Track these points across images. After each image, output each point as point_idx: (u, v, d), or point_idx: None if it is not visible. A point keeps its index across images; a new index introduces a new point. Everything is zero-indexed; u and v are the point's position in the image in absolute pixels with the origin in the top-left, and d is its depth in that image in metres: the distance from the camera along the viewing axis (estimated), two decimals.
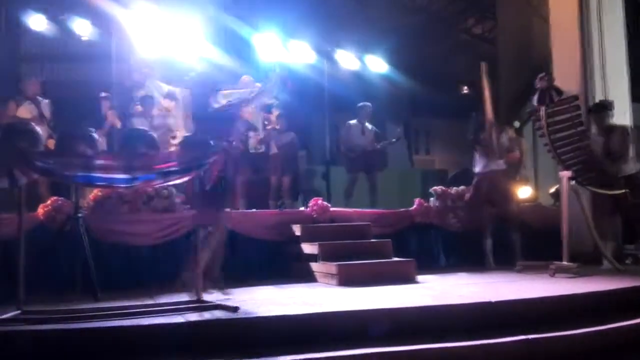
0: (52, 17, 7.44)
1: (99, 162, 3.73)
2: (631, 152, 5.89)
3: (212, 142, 4.33)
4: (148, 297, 4.14)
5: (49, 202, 4.76)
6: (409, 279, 4.98)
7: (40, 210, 4.73)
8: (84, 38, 7.71)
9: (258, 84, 7.96)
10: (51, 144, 5.64)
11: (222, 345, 3.06)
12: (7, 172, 3.38)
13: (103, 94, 6.83)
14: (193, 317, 3.35)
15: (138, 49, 8.18)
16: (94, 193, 5.02)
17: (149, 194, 5.14)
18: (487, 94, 6.04)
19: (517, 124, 6.26)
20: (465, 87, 15.71)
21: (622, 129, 5.99)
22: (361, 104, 8.08)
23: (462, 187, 6.74)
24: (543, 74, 5.67)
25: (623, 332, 3.65)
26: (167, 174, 3.85)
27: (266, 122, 8.33)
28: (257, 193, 7.14)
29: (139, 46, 8.13)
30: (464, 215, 6.48)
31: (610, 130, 5.91)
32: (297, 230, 5.58)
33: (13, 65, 7.14)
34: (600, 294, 4.18)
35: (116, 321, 3.20)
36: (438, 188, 6.73)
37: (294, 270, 5.45)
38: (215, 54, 8.23)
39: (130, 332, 3.05)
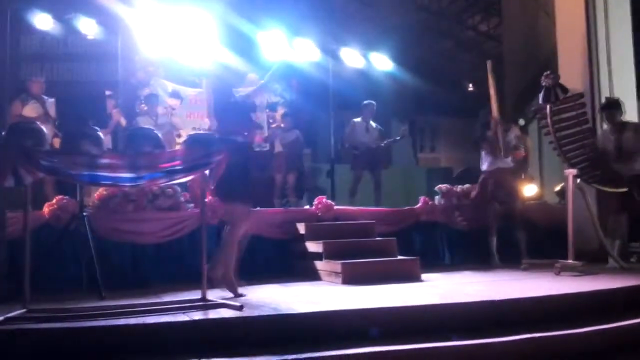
0: (58, 16, 7.47)
1: (104, 161, 3.73)
2: None
3: (238, 137, 4.33)
4: (153, 296, 4.16)
5: (54, 201, 4.79)
6: (413, 278, 4.97)
7: (46, 209, 4.75)
8: (90, 37, 7.73)
9: (261, 81, 7.97)
10: (57, 142, 5.66)
11: (227, 344, 3.06)
12: (13, 171, 3.39)
13: (107, 93, 6.84)
14: (198, 315, 3.36)
15: (143, 48, 8.20)
16: (99, 192, 5.04)
17: (154, 192, 5.15)
18: (492, 92, 6.02)
19: (522, 121, 6.25)
20: (471, 85, 15.68)
21: (636, 125, 5.94)
22: (366, 102, 8.08)
23: (467, 185, 6.74)
24: (549, 71, 5.64)
25: (629, 330, 3.63)
26: (172, 173, 3.86)
27: (271, 121, 8.34)
28: (262, 191, 7.14)
29: (143, 45, 8.15)
30: (469, 214, 6.47)
31: (623, 128, 5.86)
32: (301, 228, 5.59)
33: (13, 65, 7.16)
34: (606, 292, 4.16)
35: (121, 320, 3.21)
36: (443, 186, 6.72)
37: (298, 268, 5.46)
38: (221, 52, 8.24)
39: (135, 331, 3.06)
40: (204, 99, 8.95)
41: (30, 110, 6.15)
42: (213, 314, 3.42)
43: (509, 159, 6.18)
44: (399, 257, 5.35)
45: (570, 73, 6.50)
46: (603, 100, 6.36)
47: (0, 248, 4.09)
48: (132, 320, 3.18)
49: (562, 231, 5.56)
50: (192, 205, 5.33)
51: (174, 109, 8.30)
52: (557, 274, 5.17)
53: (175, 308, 3.53)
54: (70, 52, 7.67)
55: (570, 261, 5.30)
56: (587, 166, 5.67)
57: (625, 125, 5.88)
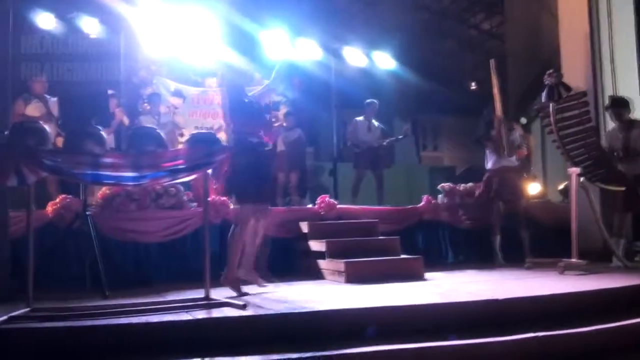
0: (60, 16, 7.49)
1: (107, 160, 3.73)
2: None
3: (253, 137, 4.34)
4: (156, 295, 4.16)
5: (57, 200, 4.80)
6: (416, 276, 4.97)
7: (49, 208, 4.76)
8: (92, 36, 7.74)
9: (265, 81, 7.97)
10: (59, 141, 5.67)
11: (231, 343, 3.06)
12: (16, 170, 3.39)
13: (110, 92, 6.85)
14: (201, 314, 3.36)
15: (145, 47, 8.20)
16: (103, 191, 5.05)
17: (157, 191, 5.16)
18: (496, 91, 6.01)
19: (523, 120, 6.24)
20: (473, 84, 15.64)
21: None
22: (368, 100, 8.07)
23: (470, 184, 6.73)
24: (552, 70, 5.62)
25: (632, 330, 3.61)
26: (175, 172, 3.86)
27: (273, 120, 8.33)
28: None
29: (146, 44, 8.15)
30: (472, 212, 6.46)
31: (631, 126, 5.83)
32: (304, 227, 5.58)
33: (14, 65, 7.17)
34: (609, 291, 4.14)
35: (124, 319, 3.21)
36: (446, 185, 6.72)
37: (301, 267, 5.46)
38: (223, 51, 8.23)
39: (138, 330, 3.06)
40: (207, 97, 8.96)
41: (33, 109, 6.16)
42: (216, 313, 3.42)
43: (514, 158, 6.18)
44: (402, 256, 5.34)
45: (574, 71, 6.49)
46: (606, 98, 6.34)
47: (3, 247, 4.09)
48: (135, 320, 3.18)
49: (565, 230, 5.55)
50: (195, 204, 5.33)
51: (176, 107, 8.31)
52: (561, 272, 5.16)
53: (178, 307, 3.53)
54: (71, 52, 7.68)
55: (573, 260, 5.28)
56: (590, 165, 5.66)
57: (634, 123, 5.84)
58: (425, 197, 6.51)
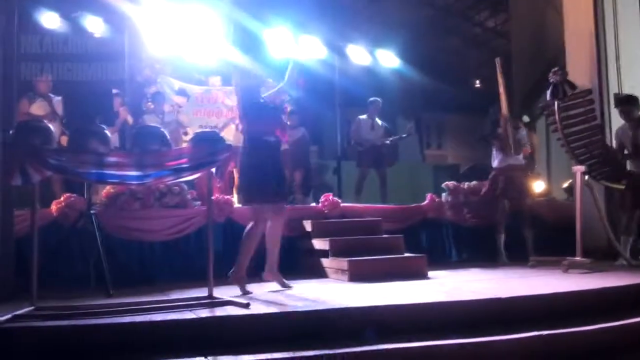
0: (65, 15, 7.50)
1: (112, 159, 3.75)
2: None
3: (270, 137, 4.35)
4: (160, 293, 4.17)
5: (62, 198, 4.81)
6: (420, 275, 4.96)
7: (54, 207, 4.78)
8: (97, 35, 7.75)
9: (269, 80, 7.97)
10: (64, 140, 5.69)
11: (234, 341, 3.07)
12: (21, 169, 3.40)
13: (115, 91, 6.87)
14: (204, 313, 3.36)
15: (149, 46, 8.22)
16: (107, 190, 5.07)
17: (161, 190, 5.17)
18: (502, 89, 6.00)
19: (526, 118, 6.23)
20: (478, 82, 15.61)
21: None
22: (371, 99, 8.05)
23: (474, 182, 6.72)
24: (557, 68, 5.60)
25: (636, 329, 3.60)
26: (179, 171, 3.87)
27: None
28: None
29: (150, 43, 8.16)
30: (477, 211, 6.45)
31: None
32: (308, 225, 5.59)
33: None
34: (614, 289, 4.13)
35: (128, 317, 3.22)
36: (450, 183, 6.71)
37: (305, 265, 5.46)
38: (227, 49, 8.24)
39: (142, 328, 3.07)
40: (211, 96, 8.97)
41: (37, 108, 6.18)
42: (220, 312, 3.42)
43: (520, 156, 6.17)
44: (406, 255, 5.34)
45: (579, 69, 6.45)
46: (612, 96, 6.31)
47: (8, 246, 4.11)
48: (139, 318, 3.19)
49: (569, 228, 5.53)
50: (198, 202, 5.34)
51: (180, 106, 8.31)
52: (565, 271, 5.14)
53: (182, 306, 3.54)
54: (71, 52, 7.68)
55: (578, 258, 5.27)
56: (595, 163, 5.64)
57: None
58: (429, 196, 6.50)
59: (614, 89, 6.48)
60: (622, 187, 5.66)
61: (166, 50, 8.28)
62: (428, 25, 13.88)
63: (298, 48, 8.55)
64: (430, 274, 5.07)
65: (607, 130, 6.38)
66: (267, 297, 3.99)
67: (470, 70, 15.63)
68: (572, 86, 5.52)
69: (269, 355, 2.85)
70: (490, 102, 6.55)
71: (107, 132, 4.68)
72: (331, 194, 6.18)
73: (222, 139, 5.34)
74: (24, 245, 4.06)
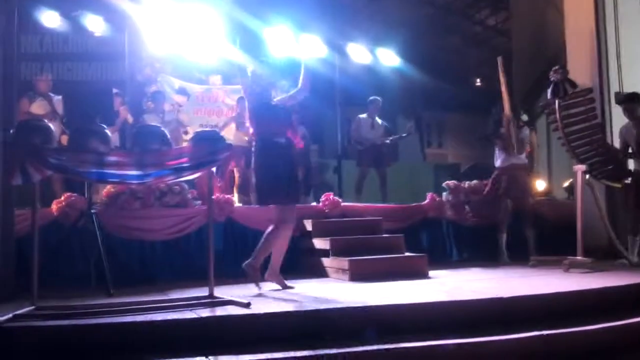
0: (65, 14, 7.50)
1: (112, 158, 3.75)
2: None
3: (281, 139, 4.35)
4: (160, 293, 4.17)
5: (62, 198, 4.80)
6: (421, 274, 4.96)
7: (54, 206, 4.77)
8: (97, 34, 7.75)
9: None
10: (64, 140, 5.69)
11: (235, 341, 3.07)
12: (21, 168, 3.40)
13: (115, 91, 6.86)
14: (205, 312, 3.36)
15: (150, 45, 8.22)
16: (107, 189, 5.06)
17: (162, 189, 5.16)
18: (504, 89, 5.99)
19: (525, 117, 6.23)
20: (478, 80, 15.59)
21: None
22: (371, 98, 8.05)
23: (475, 181, 6.70)
24: (557, 66, 5.60)
25: (638, 328, 3.60)
26: (179, 170, 3.86)
27: None
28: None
29: (150, 42, 8.16)
30: (478, 210, 6.44)
31: None
32: (308, 225, 5.58)
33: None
34: (615, 289, 4.13)
35: (128, 317, 3.21)
36: (451, 182, 6.69)
37: (305, 265, 5.46)
38: (227, 48, 8.24)
39: (142, 328, 3.07)
40: (211, 95, 8.98)
41: (37, 107, 6.18)
42: (220, 311, 3.42)
43: (523, 155, 6.17)
44: (407, 254, 5.33)
45: (579, 68, 6.45)
46: (612, 95, 6.31)
47: (8, 245, 4.11)
48: (140, 318, 3.18)
49: (570, 227, 5.53)
50: (199, 202, 5.33)
51: (180, 105, 8.32)
52: (566, 270, 5.14)
53: (182, 305, 3.54)
54: (71, 51, 7.67)
55: (579, 258, 5.27)
56: (596, 162, 5.63)
57: None
58: (429, 195, 6.49)
59: (614, 87, 6.48)
60: (619, 185, 5.65)
61: (166, 49, 8.28)
62: (428, 24, 13.86)
63: (298, 47, 8.54)
64: (431, 273, 5.07)
65: (608, 129, 6.38)
66: (267, 296, 3.99)
67: (471, 68, 15.61)
68: (573, 85, 5.52)
69: (269, 355, 2.85)
70: (491, 100, 6.53)
71: (108, 132, 4.67)
72: (332, 193, 6.17)
73: (222, 138, 5.34)
74: (25, 244, 4.06)
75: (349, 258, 4.92)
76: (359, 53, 9.31)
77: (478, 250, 6.31)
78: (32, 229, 3.56)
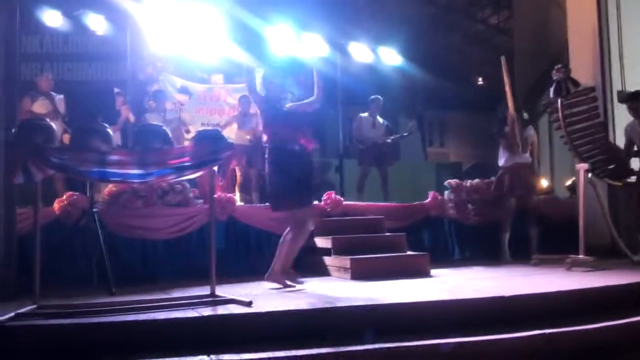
0: (67, 13, 7.51)
1: (114, 157, 3.75)
2: None
3: (295, 145, 4.37)
4: (162, 292, 4.17)
5: (64, 197, 4.81)
6: (423, 273, 4.95)
7: (56, 205, 4.77)
8: (99, 33, 7.75)
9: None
10: (66, 139, 5.69)
11: (236, 340, 3.07)
12: (23, 167, 3.41)
13: (116, 90, 6.87)
14: (207, 311, 3.36)
15: (151, 44, 8.22)
16: (109, 188, 5.06)
17: (164, 188, 5.16)
18: (508, 88, 5.99)
19: (525, 115, 6.23)
20: (480, 79, 15.56)
21: None
22: (372, 97, 8.04)
23: (477, 180, 6.70)
24: (560, 65, 5.59)
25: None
26: (181, 169, 3.86)
27: None
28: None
29: (152, 41, 8.16)
30: (480, 209, 6.44)
31: None
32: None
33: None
34: (617, 288, 4.12)
35: (131, 316, 3.21)
36: (453, 181, 6.69)
37: (307, 263, 5.44)
38: (228, 47, 8.24)
39: (144, 327, 3.07)
40: (213, 94, 8.98)
41: (39, 106, 6.18)
42: (222, 310, 3.42)
43: (527, 154, 6.16)
44: (408, 253, 5.33)
45: (582, 67, 6.44)
46: (615, 94, 6.29)
47: (10, 244, 4.11)
48: (142, 317, 3.18)
49: (572, 226, 5.52)
50: (201, 201, 5.34)
51: (182, 104, 8.32)
52: (568, 269, 5.13)
53: (184, 304, 3.54)
54: (72, 51, 7.68)
55: (581, 256, 5.26)
56: (598, 160, 5.62)
57: None
58: (431, 194, 6.49)
59: (617, 86, 6.47)
60: (620, 184, 5.65)
61: (168, 48, 8.28)
62: (430, 23, 13.84)
63: (300, 45, 8.53)
64: (433, 272, 5.07)
65: (610, 128, 6.37)
66: (269, 295, 3.99)
67: (473, 67, 15.59)
68: (575, 83, 5.51)
69: (271, 354, 2.85)
70: (493, 99, 6.53)
71: (109, 131, 4.68)
72: (333, 192, 6.17)
73: (224, 137, 5.35)
74: (27, 243, 4.06)
75: (351, 257, 4.91)
76: (361, 52, 9.29)
77: (480, 248, 6.30)
78: (34, 227, 3.57)
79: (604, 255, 5.51)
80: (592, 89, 5.72)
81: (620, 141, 6.03)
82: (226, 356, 2.83)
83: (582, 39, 6.78)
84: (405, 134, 8.55)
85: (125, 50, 7.86)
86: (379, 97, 8.04)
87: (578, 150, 5.59)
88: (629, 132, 5.80)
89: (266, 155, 4.49)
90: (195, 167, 3.92)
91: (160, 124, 6.07)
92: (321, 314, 3.36)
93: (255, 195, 7.17)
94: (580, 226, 5.37)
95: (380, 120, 7.99)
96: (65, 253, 4.58)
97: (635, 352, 3.46)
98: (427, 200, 6.40)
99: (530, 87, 9.52)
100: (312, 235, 5.46)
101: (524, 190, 6.10)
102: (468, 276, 4.91)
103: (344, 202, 6.03)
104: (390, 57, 9.63)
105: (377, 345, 3.00)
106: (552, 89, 5.57)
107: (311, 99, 4.57)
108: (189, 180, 5.06)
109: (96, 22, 7.66)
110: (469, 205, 6.47)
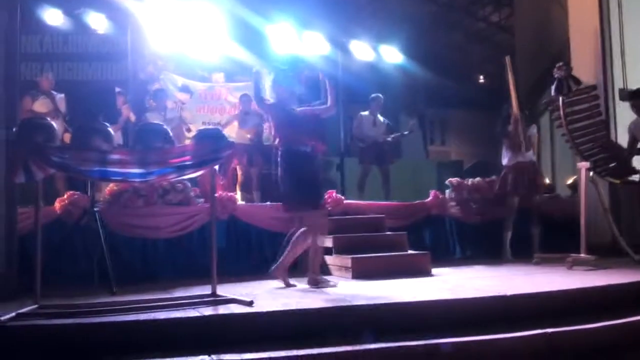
0: (68, 12, 7.51)
1: (115, 156, 3.75)
2: None
3: (305, 147, 4.38)
4: (163, 291, 4.17)
5: (65, 196, 4.81)
6: (424, 272, 4.95)
7: (57, 204, 4.77)
8: (100, 32, 7.75)
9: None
10: (67, 138, 5.70)
11: (237, 339, 3.06)
12: (24, 167, 3.40)
13: (117, 90, 6.87)
14: (208, 311, 3.36)
15: (152, 42, 8.21)
16: (110, 187, 5.06)
17: (165, 187, 5.16)
18: (512, 87, 5.97)
19: (525, 112, 6.23)
20: (482, 77, 15.54)
21: None
22: (373, 95, 8.03)
23: (478, 179, 6.69)
24: (561, 63, 5.57)
25: None
26: (182, 168, 3.86)
27: None
28: (271, 185, 7.14)
29: (153, 39, 8.16)
30: (481, 207, 6.43)
31: None
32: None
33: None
34: (618, 287, 4.11)
35: (132, 315, 3.21)
36: (454, 180, 6.68)
37: (307, 263, 5.44)
38: (230, 46, 8.24)
39: (145, 327, 3.07)
40: (214, 93, 8.98)
41: (40, 105, 6.19)
42: (223, 310, 3.41)
43: (530, 153, 6.15)
44: (410, 252, 5.33)
45: (583, 65, 6.42)
46: (617, 92, 6.28)
47: (11, 244, 4.11)
48: (143, 316, 3.18)
49: (574, 224, 5.51)
50: (202, 200, 5.34)
51: (183, 103, 8.32)
52: (569, 268, 5.13)
53: (185, 303, 3.54)
54: (72, 51, 7.67)
55: (582, 255, 5.25)
56: (600, 159, 5.61)
57: None
58: (432, 192, 6.48)
59: (618, 84, 6.44)
60: (618, 181, 5.64)
61: (169, 47, 8.28)
62: (431, 21, 13.82)
63: (301, 44, 8.53)
64: (434, 271, 5.06)
65: (612, 126, 6.35)
66: (270, 294, 3.98)
67: (474, 65, 15.57)
68: (577, 82, 5.50)
69: (272, 354, 2.85)
70: (494, 97, 6.52)
71: (110, 130, 4.67)
72: (334, 190, 6.16)
73: (225, 136, 5.35)
74: (28, 243, 4.07)
75: (352, 256, 4.91)
76: (362, 50, 9.29)
77: (481, 247, 6.30)
78: (35, 227, 3.58)
79: (605, 254, 5.50)
80: (594, 87, 5.70)
81: (622, 139, 6.02)
82: (227, 356, 2.83)
83: (583, 37, 6.75)
84: (406, 133, 8.53)
85: (126, 49, 7.86)
86: (380, 95, 8.03)
87: (579, 148, 5.58)
88: (633, 129, 5.78)
89: (278, 158, 4.50)
90: (196, 166, 3.92)
91: (161, 122, 6.07)
92: (322, 313, 3.36)
93: (256, 194, 7.17)
94: (581, 225, 5.36)
95: (381, 118, 7.98)
96: (66, 252, 4.58)
97: (636, 351, 3.45)
98: (428, 199, 6.40)
99: (532, 85, 9.49)
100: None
101: (527, 189, 6.09)
102: (469, 275, 4.91)
103: (345, 201, 6.03)
104: (391, 55, 9.62)
105: (377, 345, 3.00)
106: (553, 87, 5.56)
107: (325, 106, 4.57)
108: (190, 179, 5.05)
109: (97, 21, 7.66)
110: (471, 204, 6.46)
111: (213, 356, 2.82)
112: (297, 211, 4.51)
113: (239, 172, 7.26)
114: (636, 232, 5.72)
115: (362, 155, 7.87)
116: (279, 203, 4.83)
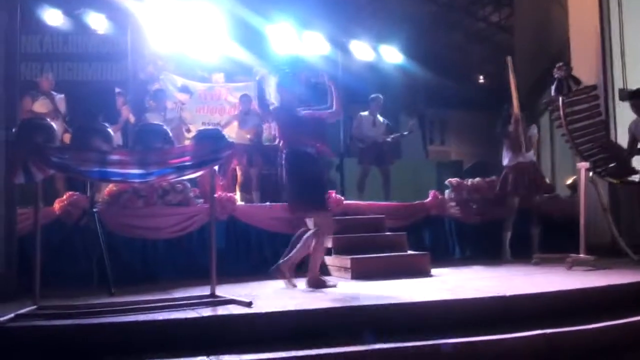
0: (68, 12, 7.51)
1: (114, 157, 3.75)
2: None
3: (309, 148, 4.39)
4: (162, 292, 4.17)
5: (65, 197, 4.81)
6: (423, 273, 4.95)
7: (57, 205, 4.77)
8: (100, 32, 7.75)
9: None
10: (67, 138, 5.69)
11: (236, 340, 3.06)
12: (24, 167, 3.40)
13: (117, 90, 6.87)
14: (207, 312, 3.36)
15: (152, 42, 8.21)
16: (110, 188, 5.06)
17: (164, 188, 5.16)
18: (513, 88, 5.97)
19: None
20: (481, 77, 15.53)
21: None
22: (373, 95, 8.03)
23: (477, 179, 6.69)
24: (561, 63, 5.57)
25: None
26: (181, 169, 3.86)
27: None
28: (271, 186, 7.15)
29: (153, 39, 8.16)
30: (481, 208, 6.43)
31: None
32: (310, 223, 5.56)
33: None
34: (618, 287, 4.11)
35: (131, 316, 3.21)
36: (454, 180, 6.68)
37: (307, 263, 5.44)
38: (230, 46, 8.24)
39: (144, 327, 3.07)
40: (214, 93, 8.97)
41: (40, 106, 6.19)
42: (222, 310, 3.42)
43: (531, 153, 6.15)
44: (409, 252, 5.33)
45: (583, 65, 6.42)
46: (616, 92, 6.27)
47: (11, 244, 4.11)
48: (142, 317, 3.18)
49: (574, 225, 5.51)
50: (201, 200, 5.34)
51: (183, 103, 8.32)
52: (569, 268, 5.12)
53: (184, 304, 3.54)
54: (71, 51, 7.68)
55: (582, 255, 5.25)
56: (600, 159, 5.61)
57: None
58: (432, 193, 6.48)
59: (618, 84, 6.44)
60: (617, 181, 5.64)
61: (169, 47, 8.28)
62: (431, 21, 13.81)
63: (301, 44, 8.53)
64: (434, 271, 5.06)
65: (612, 126, 6.35)
66: (269, 295, 3.98)
67: (474, 65, 15.56)
68: (577, 82, 5.50)
69: (271, 355, 2.85)
70: (494, 97, 6.52)
71: (110, 130, 4.68)
72: (334, 191, 6.16)
73: (224, 137, 5.35)
74: (27, 243, 4.06)
75: (351, 256, 4.91)
76: (362, 50, 9.29)
77: (480, 248, 6.30)
78: (34, 227, 3.57)
79: (604, 254, 5.50)
80: (594, 87, 5.70)
81: (622, 139, 6.02)
82: (226, 357, 2.83)
83: (583, 37, 6.75)
84: (405, 133, 8.53)
85: (126, 49, 7.86)
86: (380, 95, 8.02)
87: (579, 148, 5.57)
88: (633, 130, 5.78)
89: (283, 161, 4.51)
90: (195, 167, 3.92)
91: (160, 123, 6.07)
92: (321, 314, 3.36)
93: (255, 194, 7.17)
94: (581, 225, 5.36)
95: (381, 118, 7.97)
96: (65, 253, 4.57)
97: (636, 351, 3.45)
98: (428, 200, 6.40)
99: (532, 85, 9.49)
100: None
101: (527, 189, 6.09)
102: (469, 275, 4.91)
103: (345, 202, 6.03)
104: (391, 56, 9.62)
105: (377, 346, 3.00)
106: (553, 87, 5.55)
107: (331, 110, 4.57)
108: (190, 180, 5.06)
109: (97, 21, 7.66)
110: (470, 204, 6.46)
111: (212, 357, 2.82)
112: (304, 212, 4.53)
113: (239, 173, 7.26)
114: (636, 232, 5.72)
115: (361, 155, 7.86)
116: (283, 204, 4.83)
